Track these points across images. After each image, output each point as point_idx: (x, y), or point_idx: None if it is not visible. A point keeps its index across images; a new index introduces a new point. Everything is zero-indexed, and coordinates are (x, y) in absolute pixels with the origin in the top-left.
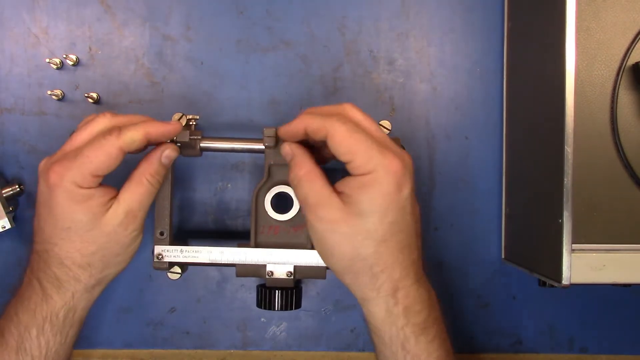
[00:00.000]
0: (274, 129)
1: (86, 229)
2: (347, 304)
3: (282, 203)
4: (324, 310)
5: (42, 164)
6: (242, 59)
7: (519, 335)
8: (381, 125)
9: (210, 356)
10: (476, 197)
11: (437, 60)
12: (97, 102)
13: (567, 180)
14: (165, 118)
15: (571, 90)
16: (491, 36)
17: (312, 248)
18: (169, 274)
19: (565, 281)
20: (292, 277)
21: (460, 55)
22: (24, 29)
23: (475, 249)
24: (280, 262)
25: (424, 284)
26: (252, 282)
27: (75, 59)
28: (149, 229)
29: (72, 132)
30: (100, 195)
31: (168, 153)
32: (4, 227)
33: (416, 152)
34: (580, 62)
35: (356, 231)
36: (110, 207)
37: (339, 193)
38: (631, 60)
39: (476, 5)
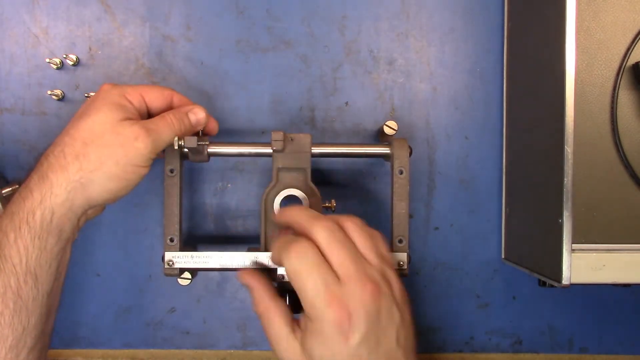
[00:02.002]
0: (282, 133)
1: (100, 122)
2: None
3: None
4: None
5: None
6: (242, 59)
7: (519, 335)
8: (387, 125)
9: (210, 356)
10: (476, 197)
11: (437, 60)
12: None
13: (567, 180)
14: None
15: (571, 90)
16: (491, 36)
17: None
18: (180, 280)
19: (565, 281)
20: None
21: (460, 55)
22: (24, 29)
23: (475, 248)
24: None
25: None
26: None
27: (75, 59)
28: (151, 232)
29: None
30: (131, 112)
31: (197, 110)
32: None
33: (416, 152)
34: (580, 62)
35: None
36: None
37: (299, 329)
38: (631, 60)
39: (476, 5)
